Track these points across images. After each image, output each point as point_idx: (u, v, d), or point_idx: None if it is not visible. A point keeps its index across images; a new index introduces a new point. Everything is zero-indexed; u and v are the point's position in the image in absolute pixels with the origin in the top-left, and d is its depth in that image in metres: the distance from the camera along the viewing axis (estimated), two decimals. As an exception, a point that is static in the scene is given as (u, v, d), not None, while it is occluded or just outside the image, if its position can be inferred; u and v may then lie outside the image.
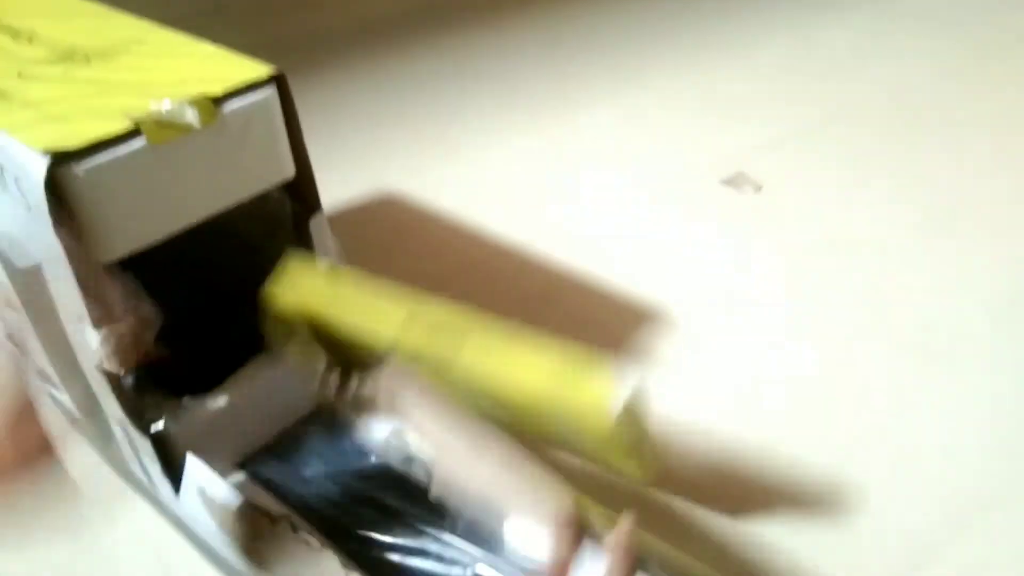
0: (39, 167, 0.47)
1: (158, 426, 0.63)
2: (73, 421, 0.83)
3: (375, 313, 0.59)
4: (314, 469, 0.69)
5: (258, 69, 0.58)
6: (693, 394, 0.84)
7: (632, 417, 0.49)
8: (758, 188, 1.19)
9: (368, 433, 0.71)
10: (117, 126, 0.50)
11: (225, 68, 0.58)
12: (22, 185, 0.51)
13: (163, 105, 0.52)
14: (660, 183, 1.23)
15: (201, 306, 0.64)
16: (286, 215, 0.65)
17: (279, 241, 0.65)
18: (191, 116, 0.52)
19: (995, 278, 1.00)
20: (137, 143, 0.51)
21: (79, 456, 0.84)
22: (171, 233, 0.56)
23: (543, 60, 1.61)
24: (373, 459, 0.69)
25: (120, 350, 0.56)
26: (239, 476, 0.69)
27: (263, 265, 0.65)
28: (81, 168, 0.48)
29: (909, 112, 1.37)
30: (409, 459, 0.68)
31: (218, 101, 0.54)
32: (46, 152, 0.47)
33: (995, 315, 0.94)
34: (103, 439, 0.76)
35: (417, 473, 0.67)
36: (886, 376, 0.87)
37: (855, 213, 1.14)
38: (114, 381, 0.60)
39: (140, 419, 0.63)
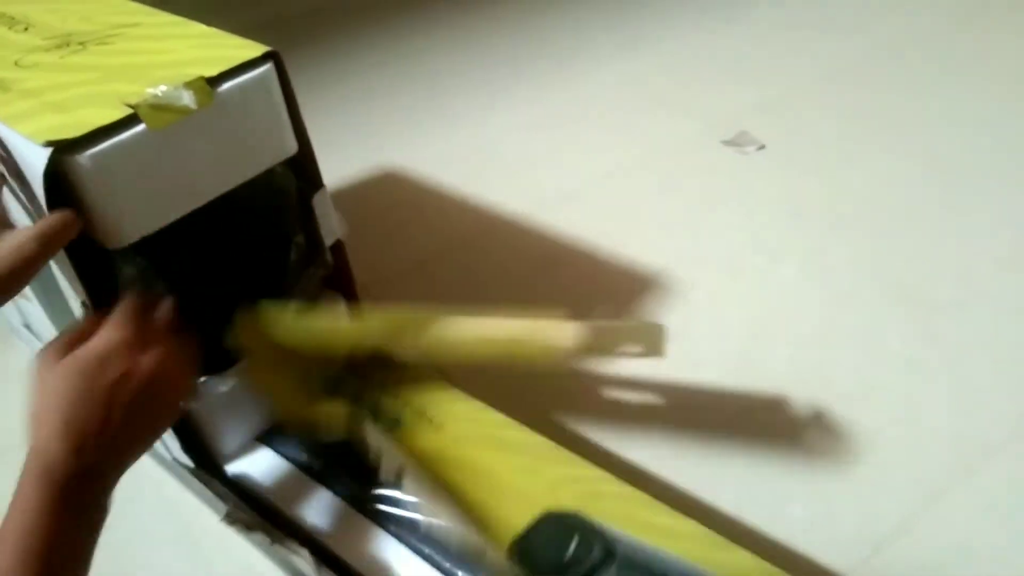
0: (40, 158, 0.47)
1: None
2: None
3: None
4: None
5: (253, 48, 0.58)
6: (701, 351, 0.85)
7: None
8: (761, 147, 1.18)
9: None
10: (115, 113, 0.50)
11: (220, 48, 0.58)
12: (23, 177, 0.51)
13: (159, 89, 0.52)
14: (662, 146, 1.22)
15: (213, 285, 0.64)
16: (292, 190, 0.65)
17: (287, 216, 0.66)
18: (187, 99, 0.52)
19: (999, 228, 0.99)
20: (137, 128, 0.50)
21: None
22: (179, 216, 0.56)
23: (539, 30, 1.59)
24: None
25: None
26: (260, 448, 0.70)
27: (272, 243, 0.65)
28: (82, 157, 0.48)
29: (910, 66, 1.36)
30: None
31: (213, 82, 0.54)
32: (47, 143, 0.47)
33: (1000, 264, 0.94)
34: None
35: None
36: (892, 327, 0.87)
37: (858, 168, 1.13)
38: None
39: None
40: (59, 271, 0.60)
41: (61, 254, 0.53)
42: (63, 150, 0.48)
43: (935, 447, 0.74)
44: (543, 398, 0.80)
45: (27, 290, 0.74)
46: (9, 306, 0.85)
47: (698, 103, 1.31)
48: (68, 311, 0.64)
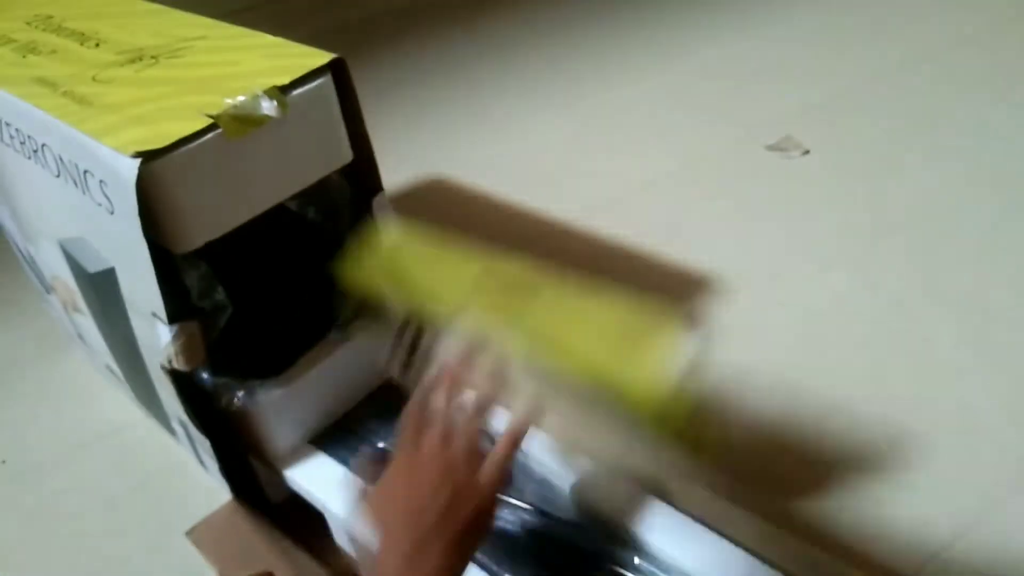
0: (130, 169, 0.49)
1: (234, 404, 0.66)
2: (146, 411, 0.86)
3: (449, 271, 0.59)
4: (381, 441, 0.71)
5: (319, 56, 0.59)
6: (749, 357, 0.84)
7: (682, 397, 0.48)
8: (805, 151, 1.17)
9: None
10: (196, 124, 0.52)
11: (287, 58, 0.59)
12: (108, 188, 0.53)
13: (237, 100, 0.53)
14: (704, 152, 1.21)
15: (268, 290, 0.65)
16: (346, 199, 0.67)
17: (340, 224, 0.67)
18: (267, 108, 0.54)
19: None
20: (206, 138, 0.52)
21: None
22: (244, 220, 0.58)
23: (580, 38, 1.60)
24: None
25: (190, 347, 0.58)
26: (313, 451, 0.71)
27: (326, 249, 0.66)
28: (158, 164, 0.50)
29: (956, 68, 1.34)
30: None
31: (285, 90, 0.56)
32: (136, 155, 0.49)
33: None
34: (170, 428, 0.78)
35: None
36: (945, 336, 0.86)
37: (905, 173, 1.12)
38: (178, 379, 0.63)
39: (211, 404, 0.66)
40: (125, 282, 0.61)
41: (140, 263, 0.55)
42: (150, 160, 0.49)
43: (989, 455, 0.73)
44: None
45: (81, 304, 0.76)
46: (63, 317, 0.87)
47: (740, 108, 1.30)
48: (125, 323, 0.66)
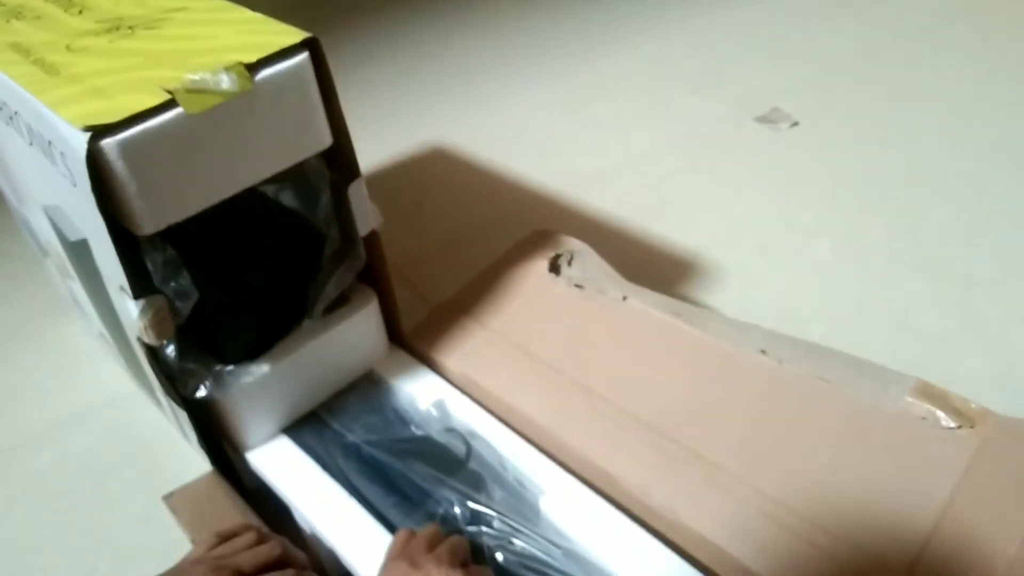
0: (80, 143, 0.48)
1: (200, 392, 0.65)
2: (136, 381, 0.87)
3: None
4: (356, 436, 0.70)
5: (293, 34, 0.57)
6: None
7: None
8: (794, 123, 1.16)
9: (411, 402, 0.72)
10: (154, 99, 0.51)
11: (262, 35, 0.58)
12: (67, 161, 0.52)
13: (198, 75, 0.52)
14: (693, 125, 1.20)
15: (240, 276, 0.64)
16: (325, 184, 0.65)
17: (318, 211, 0.65)
18: (227, 83, 0.52)
19: None
20: (168, 115, 0.51)
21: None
22: (207, 205, 0.56)
23: (567, 11, 1.58)
24: (414, 429, 0.69)
25: (157, 322, 0.58)
26: (284, 441, 0.70)
27: (303, 235, 0.65)
28: (112, 141, 0.49)
29: (945, 42, 1.32)
30: (449, 430, 0.68)
31: (253, 67, 0.54)
32: (86, 128, 0.48)
33: None
34: (156, 399, 0.79)
35: (455, 444, 0.67)
36: (929, 304, 0.86)
37: (892, 145, 1.11)
38: (152, 353, 0.62)
39: (177, 388, 0.65)
40: (98, 255, 0.61)
41: (103, 238, 0.55)
42: (100, 135, 0.49)
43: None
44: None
45: (72, 271, 0.76)
46: (60, 282, 0.88)
47: (729, 82, 1.29)
48: (106, 293, 0.66)
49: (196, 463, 0.76)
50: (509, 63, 1.44)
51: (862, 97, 1.22)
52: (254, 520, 0.70)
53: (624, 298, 0.74)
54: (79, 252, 0.67)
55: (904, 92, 1.22)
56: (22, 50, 0.60)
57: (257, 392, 0.67)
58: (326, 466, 0.67)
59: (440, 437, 0.68)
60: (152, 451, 0.85)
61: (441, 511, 0.62)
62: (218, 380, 0.65)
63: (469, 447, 0.66)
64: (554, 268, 0.80)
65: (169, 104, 0.51)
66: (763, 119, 1.18)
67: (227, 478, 0.74)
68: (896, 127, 1.15)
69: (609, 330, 0.73)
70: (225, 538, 0.59)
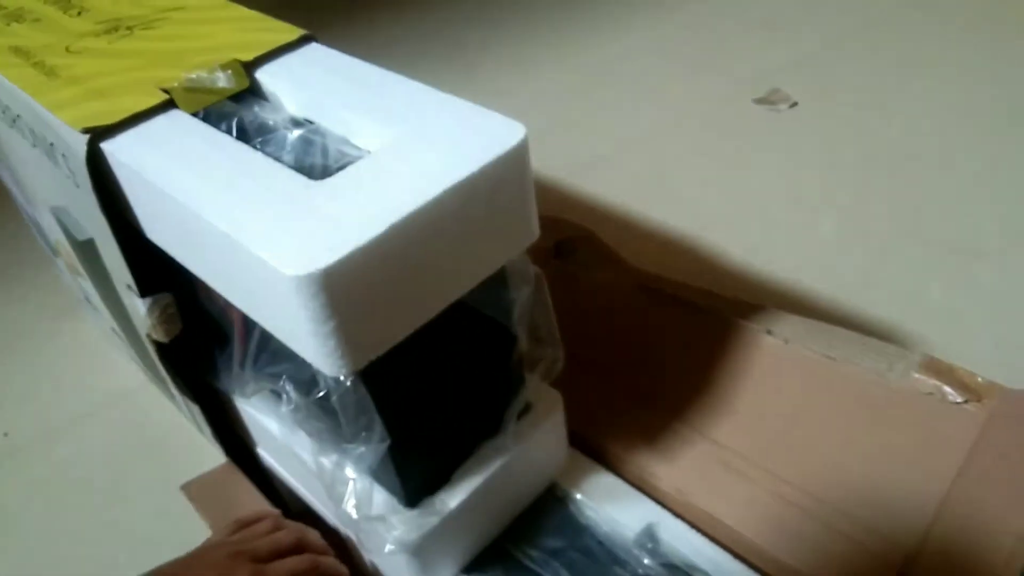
0: (80, 145, 0.49)
1: (388, 548, 0.53)
2: (149, 377, 0.88)
3: None
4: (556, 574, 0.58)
5: (290, 31, 0.58)
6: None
7: None
8: (793, 104, 1.16)
9: (612, 524, 0.60)
10: (153, 99, 0.51)
11: (259, 32, 0.58)
12: (69, 163, 0.53)
13: (195, 73, 0.53)
14: (693, 107, 1.20)
15: (437, 402, 0.53)
16: (526, 279, 0.53)
17: (514, 307, 0.53)
18: (223, 81, 0.53)
19: None
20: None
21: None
22: (418, 326, 0.45)
23: None
24: (626, 562, 0.58)
25: (165, 319, 0.58)
26: None
27: (494, 337, 0.54)
28: (112, 143, 0.50)
29: (943, 15, 1.30)
30: (671, 567, 0.57)
31: (249, 66, 0.55)
32: (84, 130, 0.49)
33: None
34: (168, 393, 0.80)
35: None
36: (934, 277, 0.86)
37: (893, 121, 1.10)
38: (160, 349, 0.62)
39: (185, 384, 0.66)
40: (105, 255, 0.62)
41: (108, 238, 0.55)
42: (100, 136, 0.49)
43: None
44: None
45: (82, 269, 0.77)
46: (71, 281, 0.89)
47: (728, 63, 1.29)
48: (114, 290, 0.67)
49: (212, 455, 0.77)
50: (507, 50, 1.44)
51: (861, 73, 1.22)
52: (272, 509, 0.71)
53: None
54: (87, 251, 0.68)
55: (902, 67, 1.22)
56: (22, 53, 0.60)
57: (442, 532, 0.55)
58: None
59: None
60: (168, 444, 0.86)
61: None
62: (415, 529, 0.53)
63: None
64: (560, 255, 0.80)
65: (168, 103, 0.52)
66: (762, 100, 1.18)
67: (242, 468, 0.75)
68: (896, 102, 1.14)
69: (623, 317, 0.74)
70: (244, 525, 0.60)
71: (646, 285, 0.75)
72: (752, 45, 1.33)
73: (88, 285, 0.80)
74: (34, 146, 0.60)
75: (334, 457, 0.52)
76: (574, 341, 0.62)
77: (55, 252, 0.87)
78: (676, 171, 1.09)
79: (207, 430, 0.73)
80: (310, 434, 0.54)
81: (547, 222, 0.85)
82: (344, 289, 0.39)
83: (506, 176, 0.46)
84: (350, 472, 0.51)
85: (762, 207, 1.00)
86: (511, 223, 0.48)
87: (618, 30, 1.43)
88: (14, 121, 0.61)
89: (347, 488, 0.51)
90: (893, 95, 1.16)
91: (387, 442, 0.47)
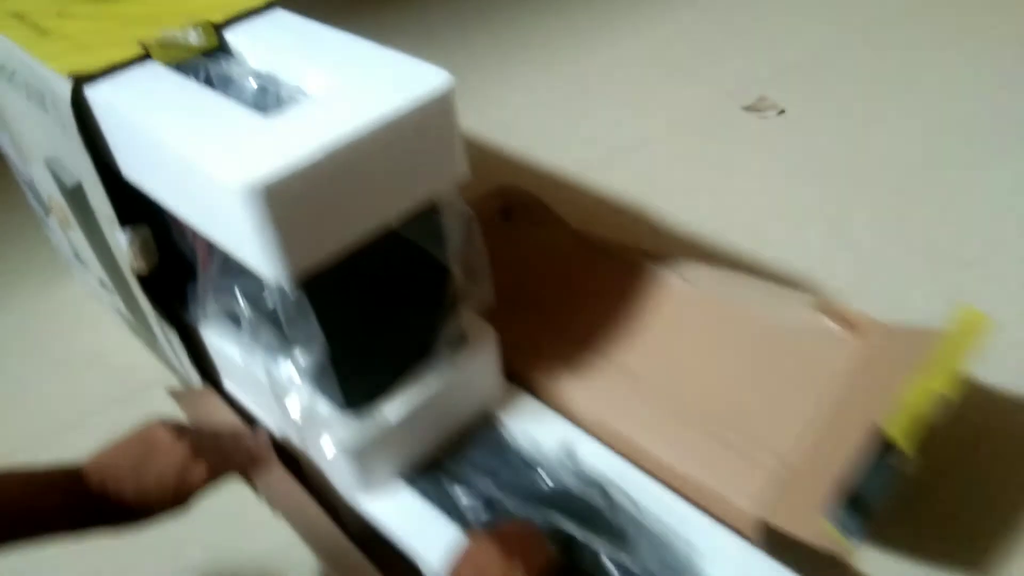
0: (65, 89, 0.57)
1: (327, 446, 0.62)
2: (131, 326, 0.95)
3: None
4: (484, 487, 0.66)
5: (258, -1, 0.65)
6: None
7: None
8: (781, 111, 1.18)
9: (535, 445, 0.69)
10: (131, 52, 0.59)
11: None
12: (58, 107, 0.60)
13: (170, 31, 0.61)
14: (681, 115, 1.22)
15: (370, 316, 0.60)
16: (458, 217, 0.61)
17: (447, 244, 0.61)
18: (194, 38, 0.60)
19: (1022, 185, 0.99)
20: (316, 155, 0.49)
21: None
22: (347, 244, 0.52)
23: (556, 5, 1.58)
24: (546, 478, 0.66)
25: (144, 249, 0.66)
26: (402, 489, 0.67)
27: (429, 269, 0.61)
28: (99, 87, 0.57)
29: (929, 25, 1.33)
30: (585, 480, 0.65)
31: (219, 27, 0.63)
32: (70, 75, 0.56)
33: (1023, 221, 0.93)
34: (151, 338, 0.87)
35: (594, 497, 0.64)
36: (918, 286, 0.87)
37: (879, 129, 1.13)
38: (143, 282, 0.69)
39: (167, 312, 0.72)
40: (91, 195, 0.69)
41: (92, 176, 0.63)
42: (83, 81, 0.57)
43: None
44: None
45: (73, 219, 0.84)
46: (62, 238, 0.96)
47: (716, 70, 1.31)
48: (103, 235, 0.74)
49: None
50: (499, 58, 1.44)
51: (848, 82, 1.23)
52: (239, 421, 0.76)
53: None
54: (77, 198, 0.75)
55: (889, 74, 1.23)
56: (19, 16, 0.68)
57: (381, 440, 0.63)
58: (451, 516, 0.64)
59: (578, 491, 0.65)
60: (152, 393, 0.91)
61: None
62: (349, 429, 0.62)
63: (610, 498, 0.64)
64: (507, 216, 0.87)
65: (145, 56, 0.59)
66: (750, 108, 1.19)
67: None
68: (882, 112, 1.15)
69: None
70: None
71: (582, 241, 0.83)
72: (740, 53, 1.34)
73: (78, 236, 0.87)
74: (28, 98, 0.67)
75: (283, 369, 0.60)
76: (512, 287, 0.71)
77: (47, 210, 0.94)
78: (666, 177, 1.10)
79: (185, 361, 0.80)
80: (263, 348, 0.61)
81: (499, 189, 0.93)
82: (283, 201, 0.47)
83: (431, 115, 0.53)
84: (296, 378, 0.59)
85: (749, 213, 1.01)
86: (437, 158, 0.55)
87: (606, 39, 1.44)
88: (11, 76, 0.68)
89: (293, 394, 0.59)
90: (879, 102, 1.18)
91: (325, 347, 0.55)
